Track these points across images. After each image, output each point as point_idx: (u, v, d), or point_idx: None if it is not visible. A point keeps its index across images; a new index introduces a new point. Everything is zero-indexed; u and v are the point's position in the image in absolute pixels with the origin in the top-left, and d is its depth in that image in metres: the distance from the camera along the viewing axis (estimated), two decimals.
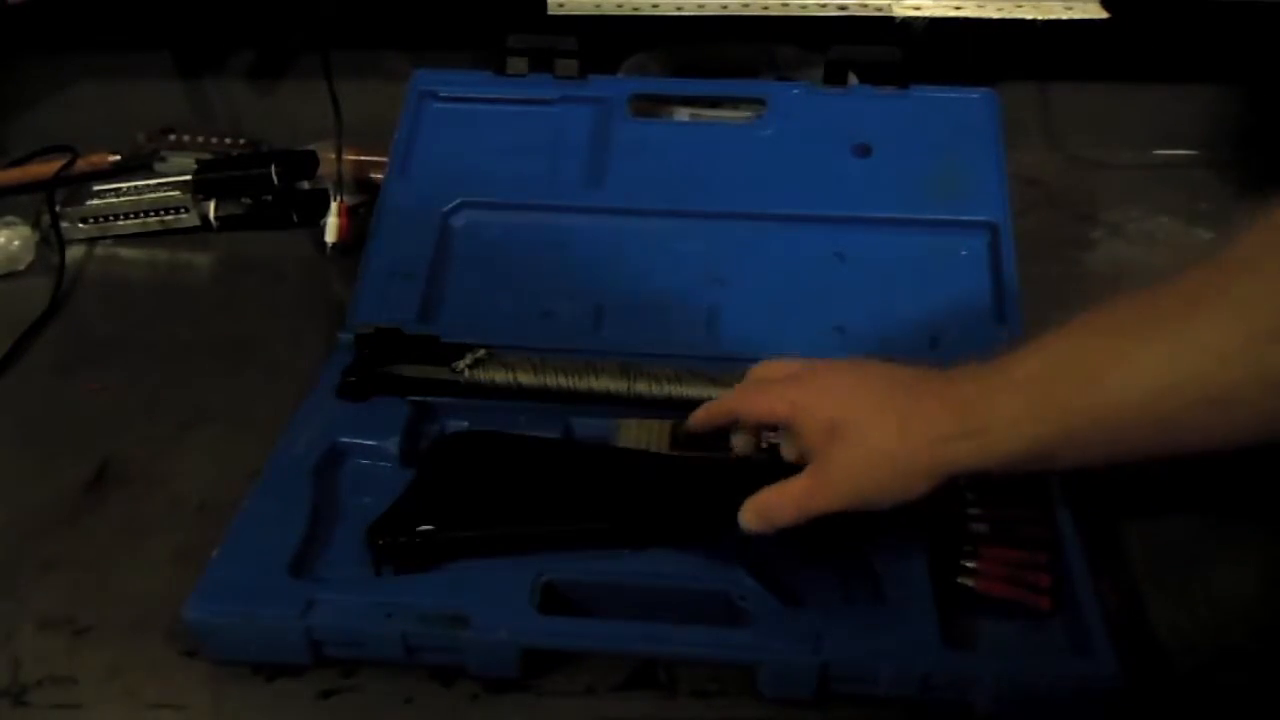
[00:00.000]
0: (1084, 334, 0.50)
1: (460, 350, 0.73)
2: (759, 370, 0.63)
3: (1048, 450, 0.50)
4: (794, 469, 0.57)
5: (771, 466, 0.65)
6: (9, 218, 0.93)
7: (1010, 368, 0.51)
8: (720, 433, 0.67)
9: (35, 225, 0.94)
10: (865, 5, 0.91)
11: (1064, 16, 0.90)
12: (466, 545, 0.62)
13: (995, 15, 0.91)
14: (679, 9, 0.92)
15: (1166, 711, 0.57)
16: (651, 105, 0.91)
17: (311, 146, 0.97)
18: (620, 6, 0.92)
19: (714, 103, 0.93)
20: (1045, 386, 0.49)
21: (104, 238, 0.96)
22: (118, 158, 1.02)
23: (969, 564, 0.60)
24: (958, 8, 0.91)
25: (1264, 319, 0.45)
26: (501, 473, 0.66)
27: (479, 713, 0.57)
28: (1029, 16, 0.90)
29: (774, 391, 0.59)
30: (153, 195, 0.95)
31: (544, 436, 0.70)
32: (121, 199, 0.95)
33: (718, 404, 0.63)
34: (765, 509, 0.57)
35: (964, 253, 0.79)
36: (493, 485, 0.66)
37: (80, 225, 0.95)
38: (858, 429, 0.54)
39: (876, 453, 0.53)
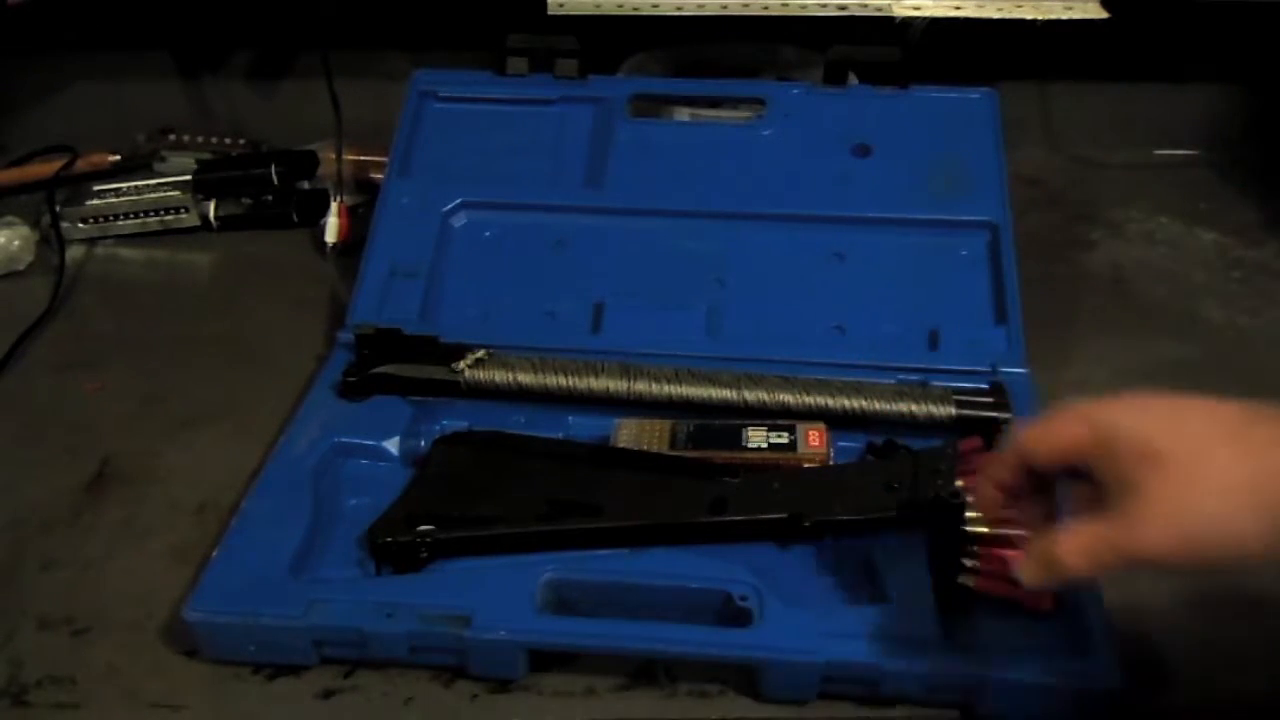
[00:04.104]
0: None
1: (460, 350, 0.73)
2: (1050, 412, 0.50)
3: None
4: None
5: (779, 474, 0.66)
6: (9, 218, 0.93)
7: None
8: (722, 434, 0.67)
9: (35, 225, 0.95)
10: (865, 5, 0.91)
11: (1064, 16, 0.90)
12: (466, 545, 0.62)
13: (995, 15, 0.91)
14: (679, 9, 0.92)
15: (1166, 712, 0.57)
16: (651, 105, 0.91)
17: (311, 146, 0.98)
18: (620, 6, 0.92)
19: (714, 103, 0.93)
20: None
21: (104, 238, 0.96)
22: (118, 158, 1.02)
23: (969, 564, 0.60)
24: (958, 8, 0.92)
25: None
26: (501, 473, 0.66)
27: (479, 713, 0.57)
28: (1029, 16, 0.90)
29: (1075, 415, 0.47)
30: (153, 195, 0.95)
31: (544, 437, 0.70)
32: (121, 199, 0.95)
33: (1001, 459, 0.51)
34: (1052, 559, 0.46)
35: (964, 253, 0.79)
36: (493, 485, 0.66)
37: (80, 225, 0.95)
38: (1185, 460, 0.43)
39: (1211, 485, 0.43)
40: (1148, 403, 0.46)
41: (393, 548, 0.61)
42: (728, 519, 0.63)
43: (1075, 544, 0.45)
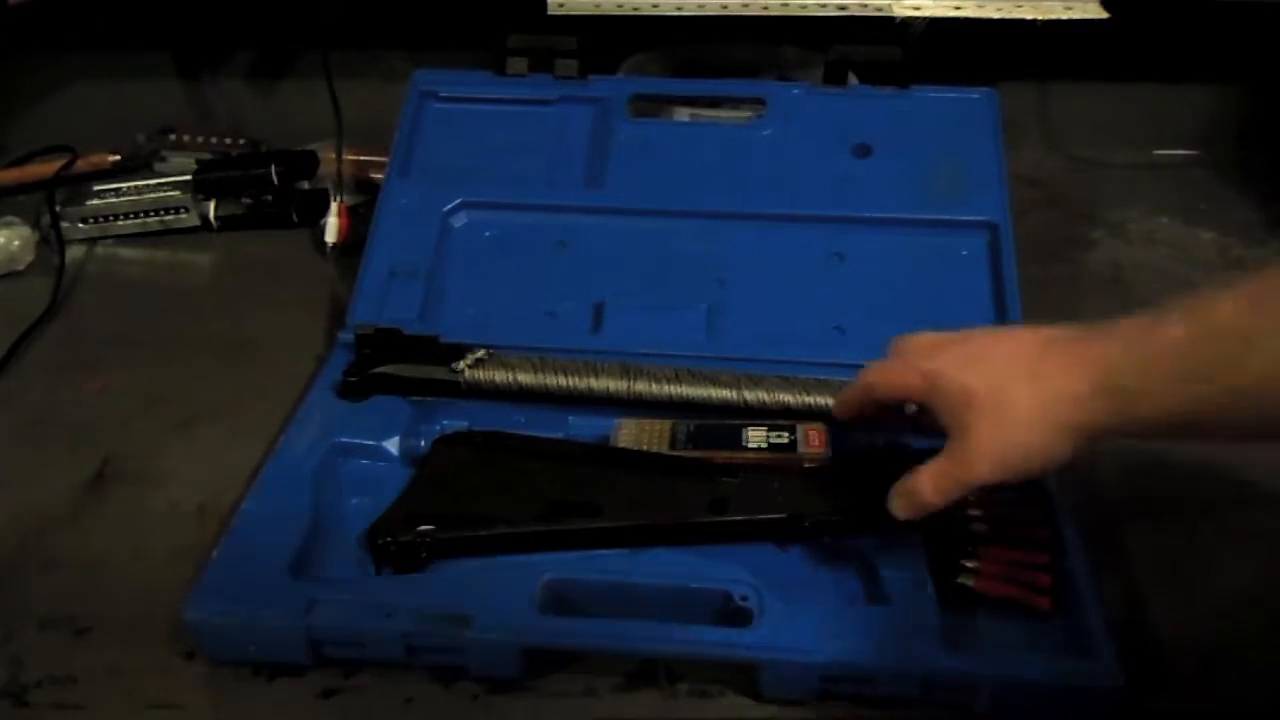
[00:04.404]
0: (1248, 301, 0.47)
1: (460, 350, 0.73)
2: (897, 343, 0.61)
3: (1198, 418, 0.49)
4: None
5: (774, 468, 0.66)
6: (9, 218, 0.93)
7: (1159, 332, 0.49)
8: (722, 434, 0.67)
9: (35, 225, 0.94)
10: (865, 5, 0.91)
11: (1064, 16, 0.90)
12: (466, 545, 0.62)
13: (995, 15, 0.91)
14: (679, 9, 0.92)
15: (1166, 712, 0.57)
16: (651, 105, 0.91)
17: (311, 146, 0.98)
18: (620, 6, 0.92)
19: (714, 103, 0.93)
20: (1196, 355, 0.48)
21: (104, 238, 0.96)
22: (118, 158, 1.02)
23: (969, 564, 0.60)
24: (958, 8, 0.92)
25: None
26: (501, 473, 0.66)
27: (479, 713, 0.57)
28: (1029, 16, 0.90)
29: (908, 364, 0.58)
30: (153, 195, 0.95)
31: (544, 436, 0.70)
32: (121, 199, 0.95)
33: (852, 385, 0.61)
34: (911, 493, 0.56)
35: (964, 253, 0.79)
36: (493, 485, 0.66)
37: (80, 225, 0.95)
38: (993, 395, 0.52)
39: (1016, 418, 0.52)
40: (965, 350, 0.55)
41: (392, 548, 0.61)
42: (728, 519, 0.63)
43: (926, 481, 0.55)
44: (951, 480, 0.54)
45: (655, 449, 0.68)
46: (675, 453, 0.68)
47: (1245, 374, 0.46)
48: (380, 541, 0.61)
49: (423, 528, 0.62)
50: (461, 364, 0.72)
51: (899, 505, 0.57)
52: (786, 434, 0.67)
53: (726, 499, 0.63)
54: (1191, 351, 0.48)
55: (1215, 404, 0.48)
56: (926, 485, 0.55)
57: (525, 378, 0.72)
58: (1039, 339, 0.54)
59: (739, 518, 0.63)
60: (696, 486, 0.64)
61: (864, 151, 0.84)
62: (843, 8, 0.91)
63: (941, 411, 0.55)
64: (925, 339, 0.59)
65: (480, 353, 0.73)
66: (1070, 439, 0.51)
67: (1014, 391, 0.52)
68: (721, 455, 0.67)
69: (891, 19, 0.91)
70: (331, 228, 0.91)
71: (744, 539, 0.63)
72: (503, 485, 0.66)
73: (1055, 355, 0.52)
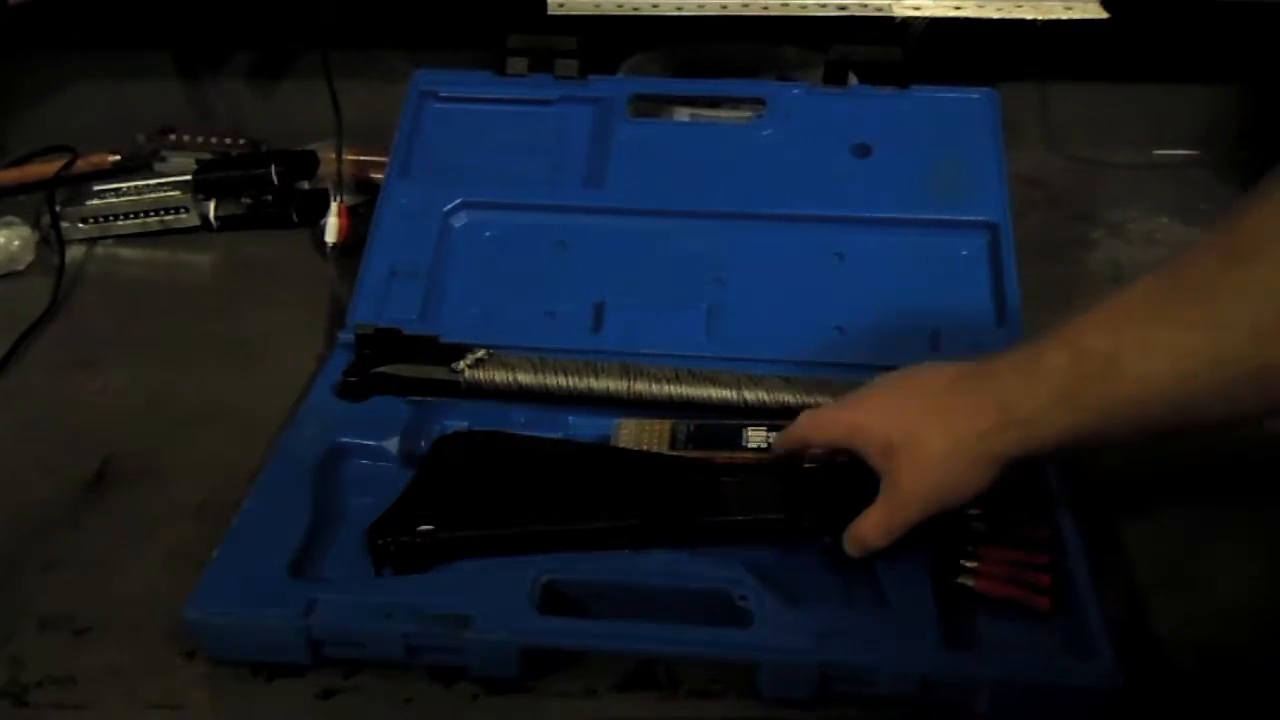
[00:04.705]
0: (1111, 322, 0.51)
1: (460, 350, 0.73)
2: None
3: (1082, 436, 0.53)
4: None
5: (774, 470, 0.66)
6: (9, 218, 0.93)
7: (1043, 360, 0.53)
8: (722, 434, 0.67)
9: (35, 225, 0.94)
10: (865, 5, 0.91)
11: (1064, 16, 0.90)
12: (466, 545, 0.62)
13: (995, 15, 0.91)
14: (679, 9, 0.92)
15: (1166, 712, 0.57)
16: (651, 105, 0.91)
17: (311, 146, 0.97)
18: (620, 6, 0.92)
19: (714, 103, 0.93)
20: (1073, 380, 0.51)
21: (104, 238, 0.96)
22: (118, 158, 1.02)
23: (969, 564, 0.60)
24: (958, 8, 0.92)
25: (1272, 309, 0.46)
26: (501, 473, 0.66)
27: (479, 713, 0.57)
28: (1029, 16, 0.90)
29: (832, 417, 0.61)
30: (153, 195, 0.95)
31: (544, 436, 0.70)
32: (121, 199, 0.95)
33: (788, 433, 0.64)
34: (859, 539, 0.59)
35: (964, 253, 0.79)
36: (493, 485, 0.66)
37: (80, 225, 0.95)
38: (911, 444, 0.56)
39: (933, 461, 0.56)
40: (883, 397, 0.59)
41: (391, 548, 0.61)
42: (727, 519, 0.63)
43: (869, 527, 0.58)
44: (889, 524, 0.58)
45: (655, 449, 0.68)
46: (675, 453, 0.68)
47: (1113, 395, 0.50)
48: (380, 542, 0.61)
49: (423, 528, 0.62)
50: (461, 364, 0.72)
51: (852, 548, 0.60)
52: None
53: (726, 499, 0.63)
54: (1066, 377, 0.52)
55: (1095, 424, 0.52)
56: (870, 531, 0.58)
57: (525, 378, 0.72)
58: (944, 379, 0.57)
59: (739, 518, 0.63)
60: (696, 486, 0.64)
61: (864, 151, 0.84)
62: (843, 8, 0.91)
63: (869, 460, 0.59)
64: (843, 408, 0.62)
65: (480, 353, 0.73)
66: (986, 469, 0.55)
67: (927, 435, 0.56)
68: (721, 455, 0.67)
69: (891, 19, 0.91)
70: (331, 228, 0.91)
71: (744, 539, 0.63)
72: (503, 485, 0.65)
73: (959, 395, 0.56)
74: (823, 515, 0.62)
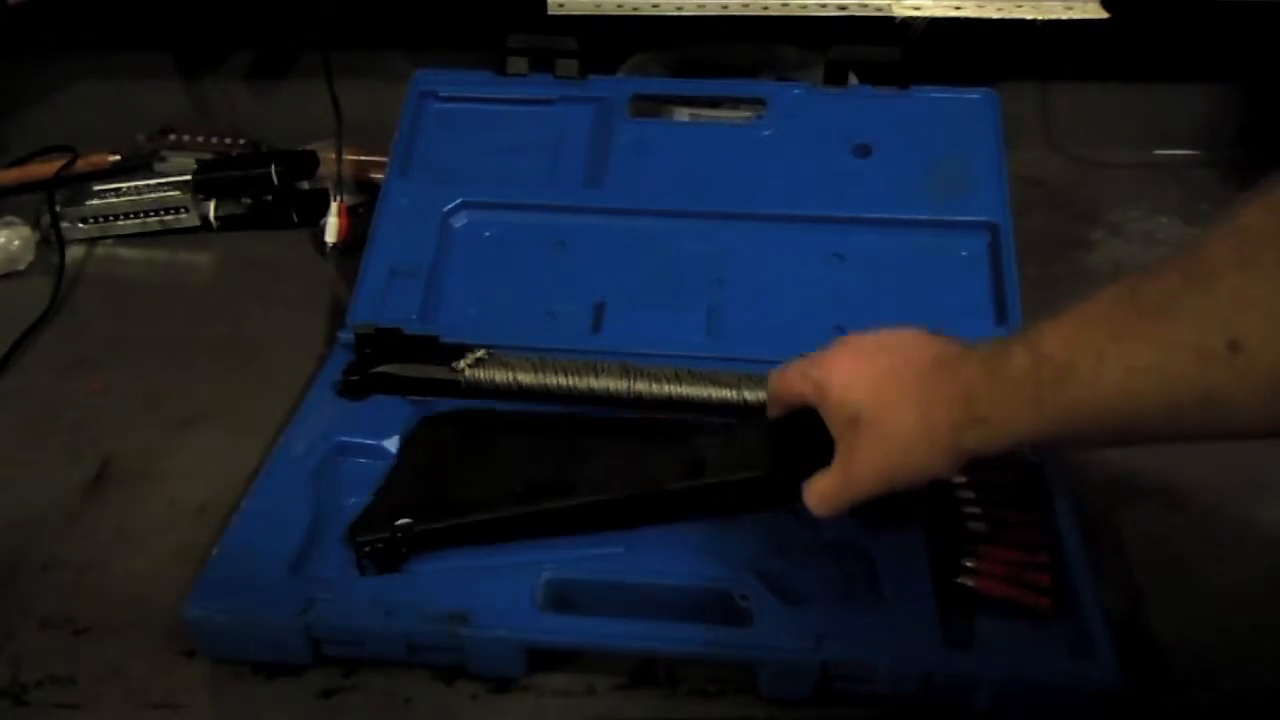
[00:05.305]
0: (1071, 329, 0.51)
1: (460, 350, 0.73)
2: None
3: (1045, 438, 0.52)
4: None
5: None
6: (9, 218, 0.93)
7: (1008, 360, 0.52)
8: None
9: (35, 225, 0.95)
10: (865, 5, 0.91)
11: (1064, 16, 0.90)
12: (443, 537, 0.61)
13: (995, 15, 0.91)
14: (679, 9, 0.92)
15: (1167, 712, 0.57)
16: (651, 105, 0.91)
17: (311, 146, 0.98)
18: (620, 6, 0.92)
19: (714, 103, 0.93)
20: (1036, 383, 0.51)
21: (104, 238, 0.96)
22: (118, 158, 1.02)
23: (969, 564, 0.60)
24: (958, 8, 0.92)
25: (1241, 322, 0.45)
26: (478, 453, 0.66)
27: (479, 712, 0.57)
28: (1029, 16, 0.90)
29: (800, 373, 0.59)
30: (153, 195, 0.95)
31: (519, 410, 0.70)
32: (121, 199, 0.95)
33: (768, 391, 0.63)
34: (809, 504, 0.58)
35: (964, 253, 0.79)
36: (469, 468, 0.65)
37: (80, 225, 0.95)
38: (878, 421, 0.55)
39: (897, 441, 0.54)
40: (856, 365, 0.57)
41: (366, 548, 0.60)
42: (703, 482, 0.62)
43: (816, 495, 0.57)
44: (839, 496, 0.57)
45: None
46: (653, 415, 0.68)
47: (1075, 403, 0.49)
48: (360, 541, 0.61)
49: (401, 521, 0.61)
50: (461, 364, 0.72)
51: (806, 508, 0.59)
52: None
53: (704, 462, 0.63)
54: (1026, 380, 0.51)
55: (1056, 429, 0.51)
56: (818, 500, 0.57)
57: (525, 378, 0.72)
58: (925, 358, 0.56)
59: (714, 480, 0.62)
60: (674, 450, 0.64)
61: (864, 151, 0.84)
62: (843, 8, 0.91)
63: (831, 423, 0.57)
64: (812, 361, 0.60)
65: (480, 353, 0.73)
66: (951, 460, 0.54)
67: (899, 416, 0.54)
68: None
69: (891, 19, 0.91)
70: (331, 228, 0.91)
71: (722, 506, 0.63)
72: (478, 467, 0.65)
73: (938, 381, 0.54)
74: (790, 470, 0.60)
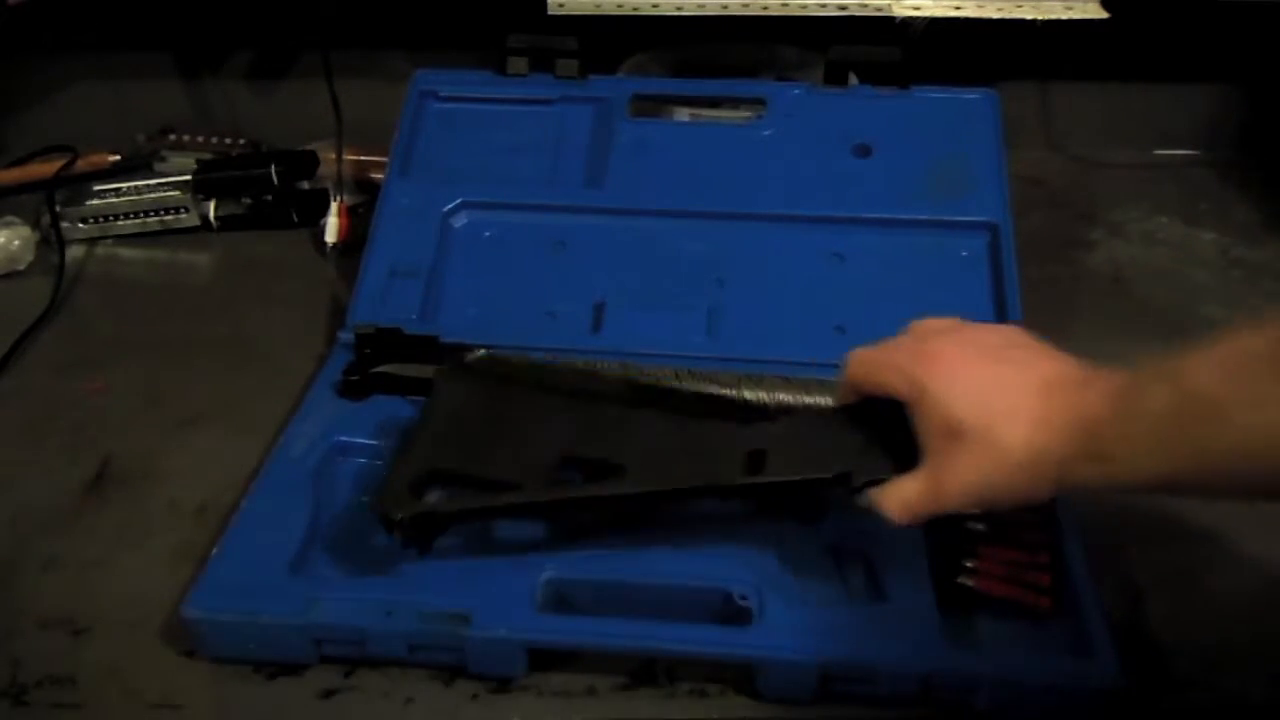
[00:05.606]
0: (1227, 366, 0.46)
1: (460, 350, 0.73)
2: (912, 329, 0.59)
3: (1173, 483, 0.49)
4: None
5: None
6: (9, 218, 0.93)
7: (1142, 396, 0.48)
8: None
9: (35, 225, 0.94)
10: (865, 5, 0.91)
11: (1064, 16, 0.90)
12: (477, 516, 0.60)
13: (995, 15, 0.91)
14: (679, 9, 0.92)
15: (1167, 711, 0.57)
16: (651, 105, 0.91)
17: (311, 146, 0.98)
18: (620, 6, 0.92)
19: (714, 103, 0.93)
20: (1173, 422, 0.47)
21: (104, 238, 0.96)
22: (118, 158, 1.02)
23: (969, 564, 0.60)
24: (958, 8, 0.91)
25: None
26: (510, 417, 0.62)
27: (479, 712, 0.57)
28: (1029, 16, 0.90)
29: (897, 366, 0.55)
30: (153, 195, 0.95)
31: (559, 366, 0.67)
32: (121, 199, 0.95)
33: (842, 382, 0.60)
34: (887, 507, 0.55)
35: (964, 253, 0.79)
36: (501, 434, 0.62)
37: (80, 225, 0.95)
38: (982, 438, 0.51)
39: (1000, 463, 0.51)
40: (962, 369, 0.53)
41: (399, 520, 0.58)
42: (766, 480, 0.58)
43: (899, 502, 0.54)
44: (921, 503, 0.54)
45: None
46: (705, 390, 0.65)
47: (1219, 446, 0.46)
48: (391, 516, 0.58)
49: (430, 498, 0.59)
50: None
51: (879, 509, 0.56)
52: None
53: (764, 452, 0.59)
54: (1168, 422, 0.47)
55: (1189, 473, 0.48)
56: (894, 508, 0.55)
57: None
58: (1041, 381, 0.52)
59: (778, 479, 0.58)
60: (730, 435, 0.60)
61: (864, 151, 0.84)
62: (843, 8, 0.91)
63: (922, 429, 0.53)
64: (931, 326, 0.58)
65: (480, 353, 0.73)
66: (1050, 490, 0.52)
67: (1008, 435, 0.51)
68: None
69: (891, 19, 0.91)
70: (331, 228, 0.91)
71: (779, 500, 0.61)
72: (512, 434, 0.62)
73: (1054, 408, 0.51)
74: (861, 468, 0.56)
